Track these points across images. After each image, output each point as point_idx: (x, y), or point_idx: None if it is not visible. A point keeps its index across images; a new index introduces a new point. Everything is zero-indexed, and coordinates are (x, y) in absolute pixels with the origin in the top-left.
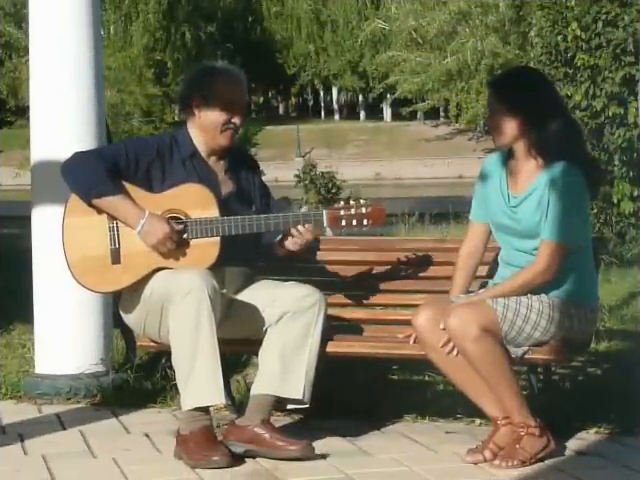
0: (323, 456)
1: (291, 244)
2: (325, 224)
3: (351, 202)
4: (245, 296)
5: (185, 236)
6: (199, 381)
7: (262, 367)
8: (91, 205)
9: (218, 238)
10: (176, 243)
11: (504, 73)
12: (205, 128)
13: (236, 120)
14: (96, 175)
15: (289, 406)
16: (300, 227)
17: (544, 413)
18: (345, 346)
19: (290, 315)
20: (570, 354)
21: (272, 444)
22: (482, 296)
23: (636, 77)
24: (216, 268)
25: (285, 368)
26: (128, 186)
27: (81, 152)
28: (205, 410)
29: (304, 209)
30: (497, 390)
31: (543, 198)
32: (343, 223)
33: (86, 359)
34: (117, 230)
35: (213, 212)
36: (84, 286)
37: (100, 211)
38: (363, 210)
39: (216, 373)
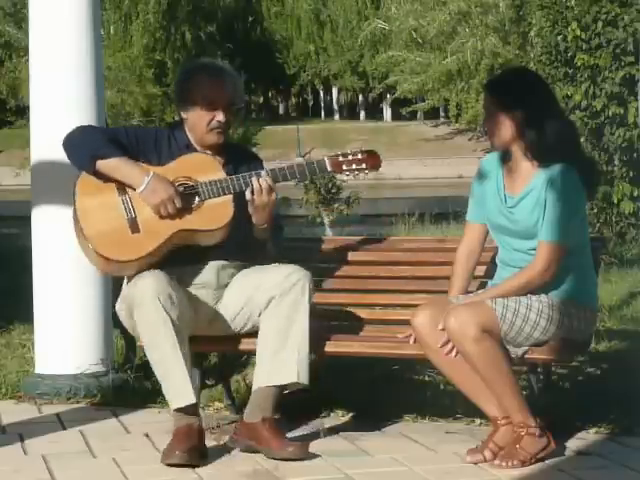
0: (315, 455)
1: (252, 207)
2: (329, 169)
3: (347, 151)
4: (233, 289)
5: (198, 199)
6: (169, 385)
7: (257, 362)
8: (95, 173)
9: (230, 196)
10: (178, 206)
11: (500, 75)
12: (193, 128)
13: (219, 118)
14: (97, 140)
15: (288, 390)
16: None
17: (544, 413)
18: (345, 346)
19: (276, 299)
20: (570, 354)
21: (269, 443)
22: (481, 296)
23: (636, 77)
24: (208, 264)
25: (276, 356)
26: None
27: (81, 126)
28: (186, 410)
29: (299, 159)
30: (497, 390)
31: (540, 199)
32: (344, 167)
33: (86, 359)
34: (130, 201)
35: (220, 174)
36: (109, 258)
37: (108, 187)
38: (359, 156)
39: (182, 376)
